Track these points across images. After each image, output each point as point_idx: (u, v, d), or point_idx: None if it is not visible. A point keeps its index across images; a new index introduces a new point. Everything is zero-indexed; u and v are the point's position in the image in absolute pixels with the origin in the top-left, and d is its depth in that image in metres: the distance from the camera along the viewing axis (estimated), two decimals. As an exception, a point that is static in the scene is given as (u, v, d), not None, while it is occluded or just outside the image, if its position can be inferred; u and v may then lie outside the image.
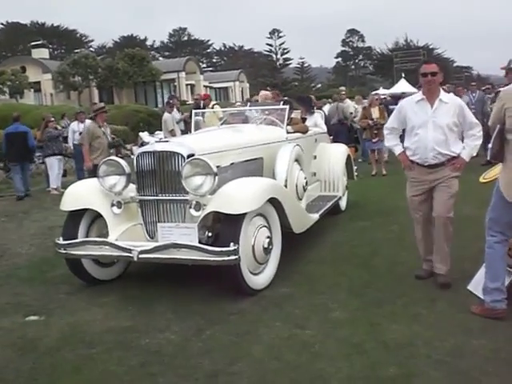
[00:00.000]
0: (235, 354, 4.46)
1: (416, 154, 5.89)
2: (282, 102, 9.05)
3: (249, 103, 11.32)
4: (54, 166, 14.87)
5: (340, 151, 10.07)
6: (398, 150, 6.15)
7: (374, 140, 14.57)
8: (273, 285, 6.05)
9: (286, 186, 7.01)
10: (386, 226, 8.57)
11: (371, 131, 14.60)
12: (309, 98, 11.79)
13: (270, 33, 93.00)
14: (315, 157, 9.26)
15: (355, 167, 10.74)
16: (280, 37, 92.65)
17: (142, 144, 24.92)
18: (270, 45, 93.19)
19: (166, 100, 30.14)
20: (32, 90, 48.02)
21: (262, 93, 11.20)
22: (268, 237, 5.98)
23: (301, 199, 7.66)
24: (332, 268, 6.62)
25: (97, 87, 52.63)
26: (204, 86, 58.97)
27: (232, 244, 5.31)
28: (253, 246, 5.74)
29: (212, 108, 13.25)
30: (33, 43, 61.27)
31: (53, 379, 4.25)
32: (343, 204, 9.91)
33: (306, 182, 7.86)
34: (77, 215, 6.29)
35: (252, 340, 4.72)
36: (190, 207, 5.80)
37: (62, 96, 50.23)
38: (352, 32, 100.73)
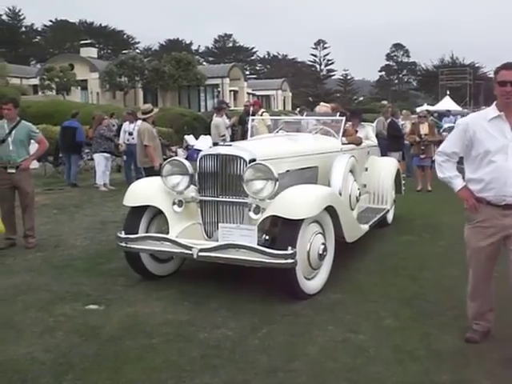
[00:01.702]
0: (292, 353, 4.63)
1: (489, 190, 4.55)
2: (338, 113, 9.14)
3: (305, 113, 11.53)
4: (101, 162, 15.21)
5: (390, 165, 10.17)
6: (458, 184, 4.82)
7: (421, 156, 14.46)
8: (324, 290, 6.20)
9: (340, 195, 7.12)
10: (433, 241, 8.66)
11: (419, 147, 14.52)
12: (360, 111, 11.96)
13: (315, 43, 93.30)
14: (366, 169, 9.34)
15: (403, 182, 10.78)
16: (325, 48, 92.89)
17: (187, 147, 25.33)
18: (315, 55, 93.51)
19: (215, 104, 30.48)
20: (79, 87, 48.93)
21: (321, 106, 11.32)
22: (323, 243, 6.12)
23: (353, 209, 7.77)
24: (381, 278, 6.75)
25: (142, 89, 53.40)
26: (247, 93, 59.31)
27: (290, 248, 5.44)
28: (308, 252, 5.87)
29: (261, 115, 13.45)
30: (82, 42, 62.52)
31: (117, 365, 4.46)
32: (390, 217, 9.96)
33: (360, 193, 7.99)
34: (138, 211, 6.52)
35: (307, 341, 4.88)
36: (250, 210, 6.00)
37: (107, 95, 51.13)
38: (397, 46, 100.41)
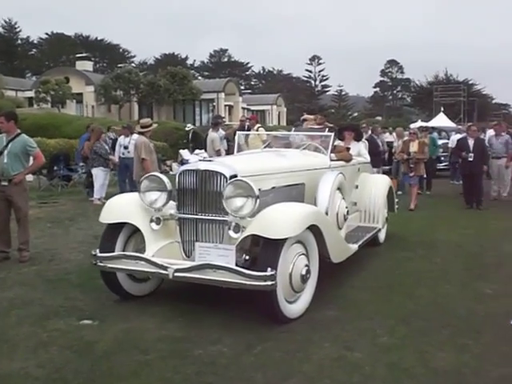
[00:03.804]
0: (287, 370, 4.60)
1: None
2: (327, 129, 8.97)
3: (293, 128, 11.46)
4: (100, 176, 15.15)
5: (382, 182, 9.90)
6: None
7: (410, 174, 14.32)
8: (319, 307, 6.14)
9: (326, 214, 6.90)
10: (428, 258, 8.65)
11: (407, 165, 14.40)
12: (355, 126, 11.85)
13: (310, 59, 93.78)
14: (357, 186, 9.09)
15: (396, 200, 10.59)
16: (320, 63, 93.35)
17: (182, 161, 25.29)
18: (310, 71, 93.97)
19: (210, 119, 30.50)
20: (74, 100, 48.98)
21: (306, 117, 11.30)
22: (306, 265, 5.85)
23: (341, 228, 7.51)
24: (377, 295, 6.72)
25: (137, 102, 53.45)
26: (242, 107, 59.47)
27: (269, 269, 5.22)
28: (290, 274, 5.62)
29: (257, 130, 13.44)
30: (77, 55, 62.64)
31: (111, 381, 4.43)
32: (382, 236, 9.70)
33: (348, 212, 7.72)
34: (115, 228, 6.30)
35: (302, 358, 4.85)
36: (229, 229, 5.77)
37: (102, 109, 51.17)
38: (392, 63, 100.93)
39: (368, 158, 10.08)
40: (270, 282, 5.19)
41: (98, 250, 6.12)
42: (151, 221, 6.23)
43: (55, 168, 17.96)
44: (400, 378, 4.46)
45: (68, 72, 53.60)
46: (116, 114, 50.62)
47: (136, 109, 53.99)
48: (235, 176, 5.83)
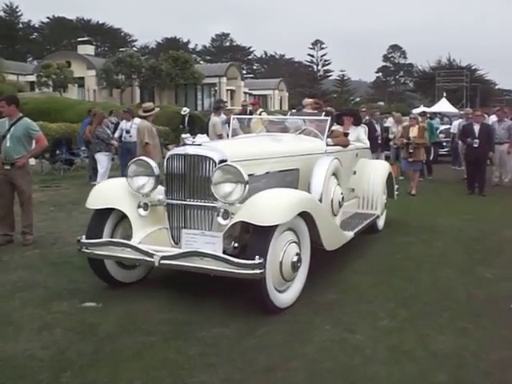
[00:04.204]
0: (289, 352, 4.66)
1: None
2: (323, 113, 8.73)
3: (290, 112, 11.34)
4: (104, 161, 15.14)
5: (381, 168, 9.73)
6: None
7: (409, 159, 14.24)
8: (320, 291, 6.21)
9: (320, 201, 6.75)
10: (429, 243, 8.70)
11: (407, 150, 14.30)
12: (354, 111, 11.74)
13: (312, 43, 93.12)
14: (355, 172, 8.93)
15: (396, 186, 10.45)
16: (322, 48, 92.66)
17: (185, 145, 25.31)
18: (312, 55, 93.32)
19: (212, 104, 30.42)
20: (76, 85, 48.83)
21: (305, 100, 11.26)
22: (297, 253, 5.71)
23: (336, 215, 7.37)
24: (378, 279, 6.77)
25: (139, 87, 53.34)
26: (244, 92, 59.33)
27: (257, 257, 5.07)
28: (281, 262, 5.48)
29: (260, 115, 13.43)
30: (79, 39, 62.30)
31: (115, 363, 4.48)
32: (381, 223, 9.56)
33: (343, 198, 7.53)
34: (103, 214, 6.16)
35: (304, 340, 4.92)
36: (218, 215, 5.62)
37: (104, 93, 51.03)
38: (394, 48, 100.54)
39: (367, 144, 9.96)
40: (258, 271, 5.06)
41: (83, 236, 5.98)
42: (139, 206, 6.09)
43: (57, 152, 18.00)
44: (400, 361, 4.52)
45: (70, 56, 53.36)
46: (118, 98, 50.50)
47: (138, 93, 53.86)
48: (225, 161, 5.66)
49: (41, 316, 5.46)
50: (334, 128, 8.75)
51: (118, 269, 6.23)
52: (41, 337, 4.98)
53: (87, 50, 57.96)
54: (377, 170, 9.50)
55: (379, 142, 15.58)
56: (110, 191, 6.33)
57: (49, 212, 11.22)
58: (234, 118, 9.15)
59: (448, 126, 22.71)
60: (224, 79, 54.83)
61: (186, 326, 5.21)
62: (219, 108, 15.38)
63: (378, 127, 15.86)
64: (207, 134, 15.41)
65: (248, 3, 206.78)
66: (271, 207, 5.38)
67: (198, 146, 5.92)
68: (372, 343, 4.86)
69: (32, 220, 8.66)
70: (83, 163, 18.48)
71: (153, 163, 6.18)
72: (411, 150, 14.11)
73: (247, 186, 5.47)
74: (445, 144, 21.80)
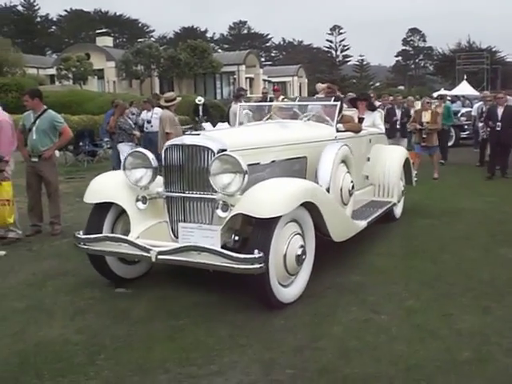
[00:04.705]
0: (317, 332, 4.79)
1: None
2: (332, 98, 8.27)
3: (297, 98, 11.16)
4: (126, 151, 15.18)
5: (397, 154, 9.36)
6: None
7: (422, 144, 14.11)
8: (344, 273, 6.34)
9: (328, 189, 6.48)
10: (452, 225, 8.75)
11: (420, 135, 14.16)
12: (367, 95, 11.39)
13: (330, 29, 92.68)
14: (368, 159, 8.60)
15: (415, 172, 10.24)
16: (341, 33, 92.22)
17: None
18: (330, 41, 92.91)
19: (231, 92, 30.45)
20: (96, 77, 49.20)
21: (318, 85, 11.17)
22: (301, 246, 5.49)
23: (346, 204, 7.02)
24: (401, 261, 6.87)
25: (158, 77, 53.55)
26: (263, 79, 59.30)
27: (257, 251, 4.87)
28: (284, 255, 5.26)
29: (282, 102, 13.48)
30: (97, 31, 62.68)
31: (148, 345, 4.62)
32: (398, 211, 9.24)
33: (353, 186, 7.13)
34: (102, 208, 5.99)
35: (331, 321, 5.04)
36: (217, 207, 5.41)
37: (124, 84, 51.39)
38: (413, 31, 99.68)
39: (382, 129, 9.66)
40: (258, 265, 4.84)
41: (81, 232, 5.84)
42: (137, 200, 5.90)
43: (80, 144, 18.21)
44: (425, 339, 4.62)
45: (88, 48, 53.73)
46: (137, 88, 50.79)
47: (157, 83, 54.09)
48: (224, 150, 5.41)
49: (73, 302, 5.63)
50: (346, 113, 8.51)
51: (119, 264, 6.07)
52: (74, 322, 5.13)
53: (106, 41, 58.31)
54: (393, 156, 9.15)
55: (397, 126, 15.32)
56: (107, 185, 6.15)
57: (74, 203, 11.37)
58: (240, 106, 8.88)
59: (469, 109, 22.59)
60: (243, 67, 54.81)
61: (215, 308, 5.35)
62: (240, 96, 15.44)
63: (398, 112, 15.63)
64: (228, 123, 15.55)
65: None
66: (271, 198, 5.16)
67: (197, 135, 5.73)
68: (397, 322, 4.96)
69: (60, 210, 8.85)
70: (106, 154, 18.67)
71: (150, 155, 5.98)
72: (424, 136, 14.01)
73: (246, 176, 5.24)
74: (466, 127, 21.71)
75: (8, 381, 4.11)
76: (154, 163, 5.90)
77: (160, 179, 5.91)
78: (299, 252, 5.42)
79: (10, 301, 5.72)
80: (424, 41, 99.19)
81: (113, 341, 4.72)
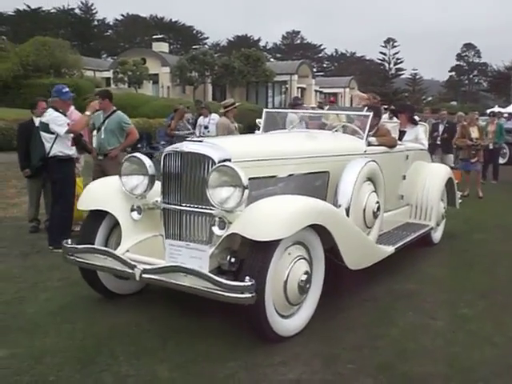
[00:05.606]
0: (375, 333, 5.03)
1: None
2: (365, 108, 7.54)
3: (327, 107, 10.81)
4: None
5: (438, 173, 8.60)
6: None
7: (472, 160, 13.92)
8: (398, 280, 6.54)
9: (348, 210, 5.78)
10: (506, 240, 8.86)
11: (469, 151, 13.96)
12: (410, 106, 10.88)
13: (384, 41, 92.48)
14: (405, 177, 7.81)
15: (460, 193, 9.55)
16: (394, 46, 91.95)
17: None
18: (384, 53, 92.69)
19: (282, 101, 30.64)
20: (151, 81, 50.02)
21: (356, 93, 10.95)
22: (306, 272, 4.87)
23: (369, 227, 6.28)
24: (455, 272, 7.05)
25: (211, 84, 54.20)
26: (315, 90, 59.49)
27: (248, 278, 4.29)
28: (285, 282, 4.68)
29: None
30: (154, 37, 63.79)
31: (215, 335, 4.90)
32: (437, 236, 8.50)
33: (379, 207, 6.33)
34: (96, 217, 5.54)
35: (388, 323, 5.27)
36: (214, 224, 4.80)
37: (177, 89, 52.12)
38: (468, 46, 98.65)
39: (425, 144, 8.88)
40: (248, 295, 4.27)
41: (69, 240, 5.38)
42: (132, 209, 5.42)
43: (138, 146, 18.71)
44: (480, 344, 4.82)
45: (145, 53, 54.68)
46: (191, 94, 51.45)
47: (210, 90, 54.77)
48: (227, 160, 4.85)
49: (141, 292, 5.88)
50: (385, 126, 7.78)
51: (111, 278, 5.57)
52: (144, 310, 5.43)
53: (162, 47, 59.22)
54: (433, 175, 8.43)
55: (437, 142, 14.59)
56: (102, 191, 5.67)
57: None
58: (265, 112, 8.09)
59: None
60: (295, 77, 55.05)
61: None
62: (296, 105, 15.64)
63: (441, 127, 14.88)
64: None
65: (318, 1, 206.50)
66: (271, 218, 4.53)
67: (199, 141, 5.11)
68: (452, 328, 5.18)
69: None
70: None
71: (147, 161, 5.46)
72: (473, 152, 13.89)
73: (246, 190, 4.65)
74: (519, 145, 21.55)
75: (84, 361, 4.39)
76: (151, 170, 5.40)
77: (160, 188, 5.33)
78: (303, 278, 4.81)
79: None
80: (479, 57, 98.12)
81: (182, 329, 5.00)
